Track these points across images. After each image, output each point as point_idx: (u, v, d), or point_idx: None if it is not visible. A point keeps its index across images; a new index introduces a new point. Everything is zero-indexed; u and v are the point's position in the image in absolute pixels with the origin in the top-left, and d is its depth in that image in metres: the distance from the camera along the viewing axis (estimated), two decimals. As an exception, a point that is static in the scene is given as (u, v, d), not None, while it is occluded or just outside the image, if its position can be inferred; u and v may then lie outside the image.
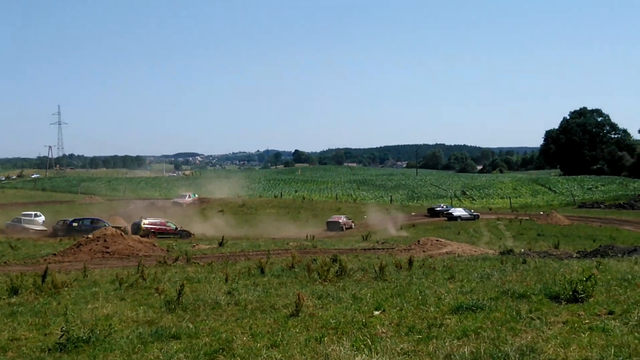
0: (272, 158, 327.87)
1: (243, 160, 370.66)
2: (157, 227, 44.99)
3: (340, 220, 57.61)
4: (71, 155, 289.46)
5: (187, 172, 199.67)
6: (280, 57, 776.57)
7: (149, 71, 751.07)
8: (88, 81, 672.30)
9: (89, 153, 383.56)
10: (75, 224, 44.35)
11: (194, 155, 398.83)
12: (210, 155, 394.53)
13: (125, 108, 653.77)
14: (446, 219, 63.51)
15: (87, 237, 27.99)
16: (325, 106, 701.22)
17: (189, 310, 10.99)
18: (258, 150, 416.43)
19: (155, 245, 29.29)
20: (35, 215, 50.82)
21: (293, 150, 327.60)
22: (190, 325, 9.57)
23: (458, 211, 65.90)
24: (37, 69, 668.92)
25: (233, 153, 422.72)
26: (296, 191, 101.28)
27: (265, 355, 7.37)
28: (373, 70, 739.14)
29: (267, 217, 61.60)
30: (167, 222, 46.75)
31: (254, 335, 8.73)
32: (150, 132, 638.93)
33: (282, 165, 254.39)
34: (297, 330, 8.92)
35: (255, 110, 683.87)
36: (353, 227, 58.49)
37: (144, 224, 44.55)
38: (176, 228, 45.72)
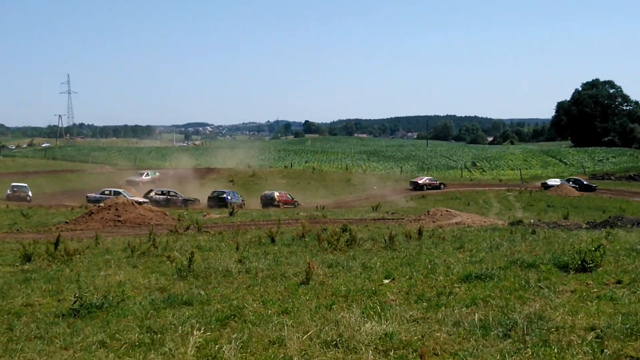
0: (282, 129, 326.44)
1: (253, 131, 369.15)
2: (284, 198, 50.57)
3: (420, 181, 64.66)
4: (81, 125, 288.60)
5: (197, 142, 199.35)
6: (290, 26, 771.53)
7: (160, 41, 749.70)
8: (98, 50, 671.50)
9: (99, 123, 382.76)
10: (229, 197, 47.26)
11: (204, 125, 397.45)
12: (220, 126, 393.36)
13: (135, 78, 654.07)
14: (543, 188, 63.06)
15: (99, 206, 28.20)
16: (335, 77, 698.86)
17: (200, 278, 11.10)
18: (268, 121, 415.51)
19: (166, 215, 29.46)
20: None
21: (303, 121, 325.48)
22: (202, 292, 9.68)
23: (553, 181, 66.21)
24: (47, 38, 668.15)
25: (243, 123, 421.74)
26: (306, 162, 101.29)
27: (276, 321, 7.46)
28: (384, 40, 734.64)
29: (277, 187, 61.67)
30: (287, 193, 53.07)
31: (264, 302, 8.84)
32: (160, 102, 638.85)
33: (292, 136, 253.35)
34: (308, 297, 9.02)
35: (266, 80, 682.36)
36: (442, 188, 63.15)
37: (277, 196, 49.83)
38: (292, 198, 51.59)
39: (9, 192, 46.17)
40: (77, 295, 8.78)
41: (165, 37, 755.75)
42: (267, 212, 37.54)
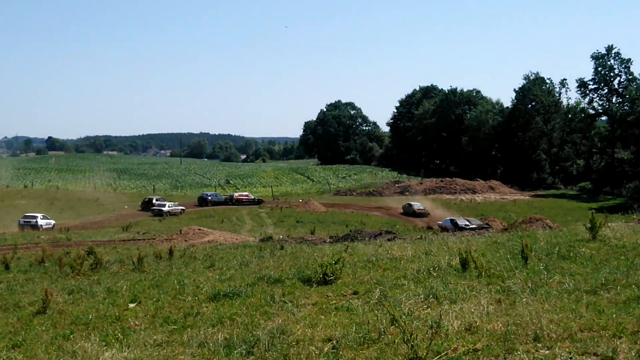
0: (22, 145, 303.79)
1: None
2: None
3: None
4: None
5: None
6: (29, 31, 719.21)
7: None
8: None
9: None
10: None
11: None
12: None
13: None
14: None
15: None
16: (82, 90, 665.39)
17: None
18: (5, 137, 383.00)
19: None
20: None
21: (46, 137, 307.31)
22: None
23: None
24: None
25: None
26: (50, 181, 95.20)
27: (5, 357, 6.84)
28: (132, 54, 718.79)
29: (15, 209, 57.08)
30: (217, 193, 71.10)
31: (-7, 336, 8.07)
32: None
33: (34, 153, 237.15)
34: (44, 328, 8.44)
35: (1, 91, 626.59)
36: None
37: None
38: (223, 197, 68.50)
39: None
40: None
41: None
42: (2, 236, 34.47)
